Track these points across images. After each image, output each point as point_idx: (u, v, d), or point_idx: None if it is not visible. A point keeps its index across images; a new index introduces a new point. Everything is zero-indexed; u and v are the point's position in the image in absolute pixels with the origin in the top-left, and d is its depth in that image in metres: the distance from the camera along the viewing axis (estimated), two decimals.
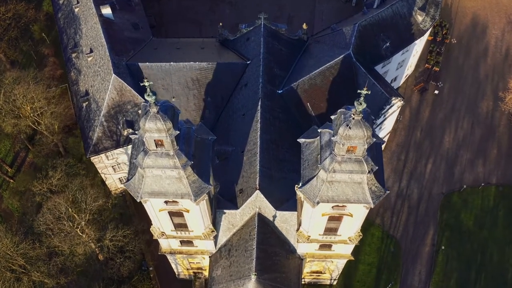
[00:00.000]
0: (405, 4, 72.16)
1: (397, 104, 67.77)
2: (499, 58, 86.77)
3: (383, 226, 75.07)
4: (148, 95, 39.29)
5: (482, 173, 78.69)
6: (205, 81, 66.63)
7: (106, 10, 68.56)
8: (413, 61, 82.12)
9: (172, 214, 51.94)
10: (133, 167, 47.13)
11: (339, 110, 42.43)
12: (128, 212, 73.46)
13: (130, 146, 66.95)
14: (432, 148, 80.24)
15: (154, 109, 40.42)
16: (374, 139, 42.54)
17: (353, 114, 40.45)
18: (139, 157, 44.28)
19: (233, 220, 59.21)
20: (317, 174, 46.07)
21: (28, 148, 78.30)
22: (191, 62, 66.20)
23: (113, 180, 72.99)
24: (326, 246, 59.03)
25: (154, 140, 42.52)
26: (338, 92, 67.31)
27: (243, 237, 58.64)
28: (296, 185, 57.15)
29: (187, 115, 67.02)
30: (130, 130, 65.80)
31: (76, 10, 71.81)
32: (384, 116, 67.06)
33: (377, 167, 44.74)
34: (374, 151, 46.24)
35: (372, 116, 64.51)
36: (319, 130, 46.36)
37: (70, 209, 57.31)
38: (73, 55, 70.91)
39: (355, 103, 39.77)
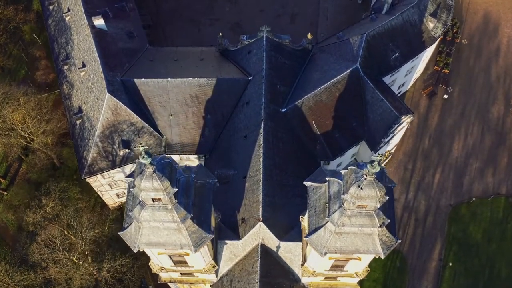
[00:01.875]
0: (416, 11, 68.13)
1: (406, 120, 64.53)
2: (511, 59, 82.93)
3: None
4: (143, 157, 36.18)
5: (491, 183, 76.12)
6: (204, 98, 63.27)
7: (99, 21, 64.56)
8: (422, 65, 78.45)
9: (171, 255, 49.57)
10: (129, 216, 44.42)
11: (349, 167, 39.34)
12: None
13: (127, 166, 64.23)
14: (440, 156, 77.39)
15: (150, 169, 37.38)
16: (387, 197, 39.63)
17: (366, 175, 37.41)
18: (135, 211, 41.50)
19: (235, 250, 56.88)
20: (325, 224, 43.37)
21: (21, 158, 75.41)
22: (190, 78, 62.67)
23: (110, 196, 70.42)
24: (332, 277, 56.89)
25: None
26: (345, 108, 64.20)
27: (246, 268, 56.45)
28: (301, 216, 54.83)
29: (186, 133, 64.03)
30: (127, 151, 62.90)
31: (67, 19, 67.77)
32: (393, 134, 63.91)
33: (389, 220, 41.99)
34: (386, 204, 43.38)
35: (381, 136, 62.22)
36: (327, 179, 43.35)
37: (64, 242, 54.82)
38: (65, 67, 67.29)
39: (368, 166, 36.71)
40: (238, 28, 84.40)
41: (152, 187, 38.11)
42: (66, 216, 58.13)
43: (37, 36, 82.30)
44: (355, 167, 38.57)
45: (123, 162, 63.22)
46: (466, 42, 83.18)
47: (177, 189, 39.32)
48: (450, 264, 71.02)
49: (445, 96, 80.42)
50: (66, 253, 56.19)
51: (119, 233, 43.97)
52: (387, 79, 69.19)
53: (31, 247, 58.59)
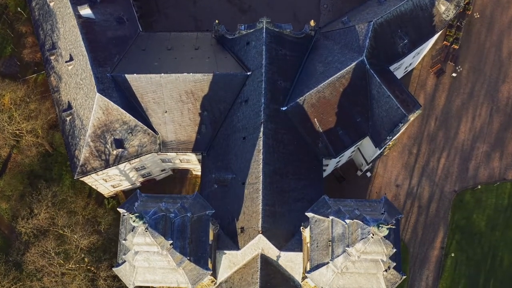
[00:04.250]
0: None
1: (414, 116, 61.38)
2: None
3: None
4: (134, 221, 33.67)
5: (498, 168, 73.86)
6: (200, 94, 59.76)
7: (85, 11, 59.89)
8: (431, 42, 73.93)
9: None
10: (123, 249, 42.52)
11: (355, 220, 36.89)
12: None
13: (121, 165, 61.73)
14: (446, 140, 74.64)
15: (142, 227, 34.96)
16: (395, 249, 37.49)
17: (373, 234, 35.05)
18: (128, 255, 39.51)
19: (234, 259, 55.62)
20: (327, 263, 41.54)
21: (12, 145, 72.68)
22: (185, 74, 58.87)
23: (105, 187, 68.29)
24: None
25: None
26: (349, 104, 61.00)
27: (245, 278, 55.35)
28: (302, 227, 53.19)
29: (181, 130, 61.03)
30: (120, 150, 60.11)
31: (51, 4, 62.84)
32: (399, 131, 60.93)
33: (395, 263, 40.11)
34: (392, 234, 41.40)
35: (386, 133, 59.26)
36: (330, 218, 41.05)
37: (59, 251, 53.26)
38: (52, 57, 63.13)
39: (376, 229, 34.26)
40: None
41: (145, 243, 36.01)
42: (59, 226, 56.00)
43: (22, 10, 77.14)
44: (361, 222, 36.16)
45: (117, 161, 60.62)
46: (478, 16, 78.12)
47: (171, 241, 37.08)
48: (453, 254, 70.06)
49: (454, 74, 76.52)
50: (62, 261, 54.69)
51: (113, 269, 42.21)
52: (394, 65, 65.27)
53: (26, 255, 57.02)
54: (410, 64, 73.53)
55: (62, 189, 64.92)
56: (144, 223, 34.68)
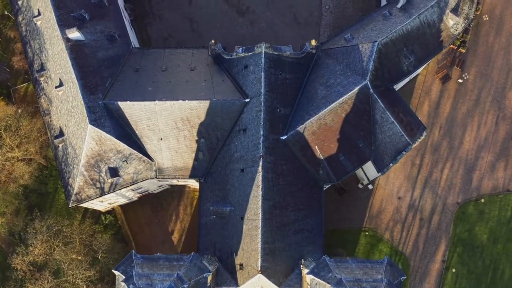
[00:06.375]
0: (435, 10, 60.05)
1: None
2: None
3: (392, 242, 70.89)
4: None
5: (502, 179, 72.35)
6: (197, 121, 57.55)
7: (74, 34, 56.71)
8: None
9: None
10: None
11: None
12: (121, 233, 69.04)
13: (117, 192, 60.23)
14: (450, 149, 72.76)
15: None
16: None
17: None
18: None
19: None
20: None
21: None
22: (180, 101, 56.42)
23: (102, 205, 67.05)
24: None
25: None
26: (351, 129, 58.85)
27: None
28: (301, 265, 52.49)
29: (178, 157, 59.19)
30: (115, 178, 58.43)
31: (39, 23, 59.54)
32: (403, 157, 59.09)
33: None
34: None
35: (389, 159, 57.52)
36: None
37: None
38: (41, 79, 60.43)
39: None
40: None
41: None
42: (56, 260, 54.96)
43: (10, 14, 73.49)
44: None
45: (112, 189, 59.06)
46: (487, 19, 74.53)
47: None
48: (454, 270, 69.56)
49: (460, 80, 73.76)
50: None
51: None
52: None
53: None
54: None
55: (57, 219, 63.23)
56: None
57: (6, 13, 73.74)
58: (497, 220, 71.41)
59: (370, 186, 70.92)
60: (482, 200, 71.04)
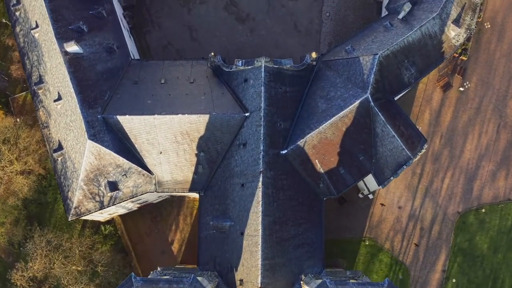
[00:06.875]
0: (437, 22, 59.50)
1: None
2: None
3: (392, 252, 70.73)
4: None
5: (503, 188, 72.08)
6: (196, 135, 57.19)
7: (72, 48, 56.21)
8: None
9: None
10: None
11: None
12: (121, 243, 68.85)
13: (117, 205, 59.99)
14: (451, 159, 72.42)
15: None
16: None
17: None
18: None
19: None
20: None
21: None
22: (179, 115, 56.04)
23: (101, 216, 66.87)
24: None
25: None
26: (352, 143, 58.42)
27: None
28: (301, 281, 52.33)
29: (177, 170, 58.91)
30: (115, 192, 58.16)
31: (36, 35, 59.01)
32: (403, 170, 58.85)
33: None
34: None
35: (390, 172, 57.23)
36: None
37: None
38: (40, 91, 59.99)
39: None
40: (233, 6, 74.78)
41: None
42: (55, 277, 54.77)
43: (7, 21, 72.82)
44: None
45: (111, 202, 58.83)
46: (488, 26, 73.94)
47: None
48: (454, 280, 69.47)
49: (461, 88, 73.30)
50: None
51: None
52: None
53: None
54: None
55: (56, 234, 62.95)
56: None
57: (4, 21, 73.10)
58: (497, 230, 71.23)
59: (370, 196, 70.63)
60: (483, 210, 70.78)
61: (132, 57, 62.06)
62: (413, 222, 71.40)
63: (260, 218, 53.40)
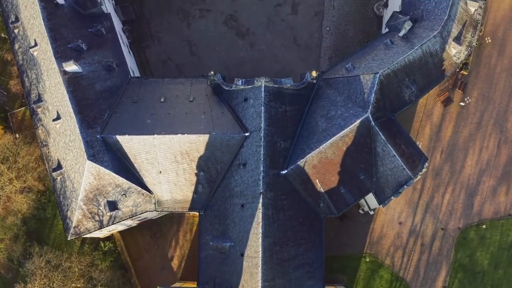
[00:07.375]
0: (438, 40, 59.20)
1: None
2: None
3: (392, 268, 70.52)
4: None
5: (504, 203, 71.84)
6: (196, 155, 56.94)
7: (71, 68, 55.93)
8: None
9: None
10: None
11: None
12: (120, 260, 68.63)
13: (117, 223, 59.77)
14: (452, 174, 72.18)
15: None
16: None
17: None
18: None
19: None
20: None
21: None
22: (179, 135, 55.79)
23: (100, 233, 66.61)
24: None
25: None
26: (352, 162, 58.23)
27: None
28: None
29: (177, 189, 58.71)
30: (114, 212, 57.93)
31: (35, 54, 58.76)
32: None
33: None
34: None
35: (391, 192, 57.02)
36: None
37: None
38: (39, 109, 59.72)
39: None
40: (232, 21, 74.48)
41: None
42: None
43: (7, 36, 72.45)
44: None
45: (111, 222, 58.60)
46: (489, 40, 73.67)
47: None
48: None
49: (462, 103, 73.05)
50: None
51: None
52: None
53: None
54: None
55: (56, 254, 62.72)
56: None
57: (3, 35, 72.81)
58: (498, 245, 71.01)
59: (371, 212, 70.39)
60: (484, 226, 70.57)
61: (132, 74, 61.81)
62: (414, 238, 71.18)
63: (260, 240, 53.17)
